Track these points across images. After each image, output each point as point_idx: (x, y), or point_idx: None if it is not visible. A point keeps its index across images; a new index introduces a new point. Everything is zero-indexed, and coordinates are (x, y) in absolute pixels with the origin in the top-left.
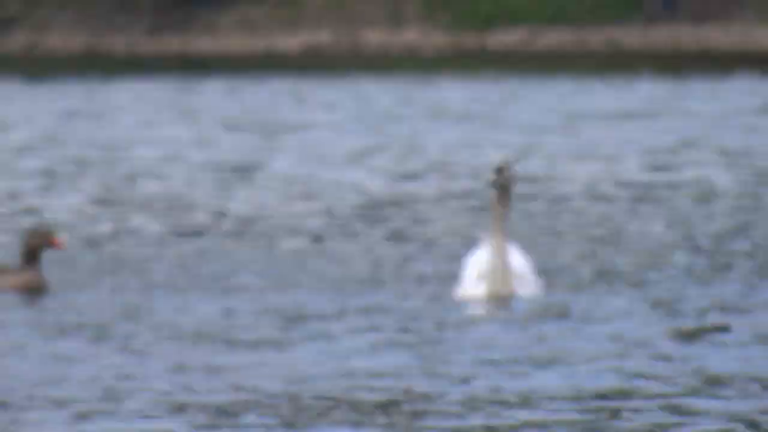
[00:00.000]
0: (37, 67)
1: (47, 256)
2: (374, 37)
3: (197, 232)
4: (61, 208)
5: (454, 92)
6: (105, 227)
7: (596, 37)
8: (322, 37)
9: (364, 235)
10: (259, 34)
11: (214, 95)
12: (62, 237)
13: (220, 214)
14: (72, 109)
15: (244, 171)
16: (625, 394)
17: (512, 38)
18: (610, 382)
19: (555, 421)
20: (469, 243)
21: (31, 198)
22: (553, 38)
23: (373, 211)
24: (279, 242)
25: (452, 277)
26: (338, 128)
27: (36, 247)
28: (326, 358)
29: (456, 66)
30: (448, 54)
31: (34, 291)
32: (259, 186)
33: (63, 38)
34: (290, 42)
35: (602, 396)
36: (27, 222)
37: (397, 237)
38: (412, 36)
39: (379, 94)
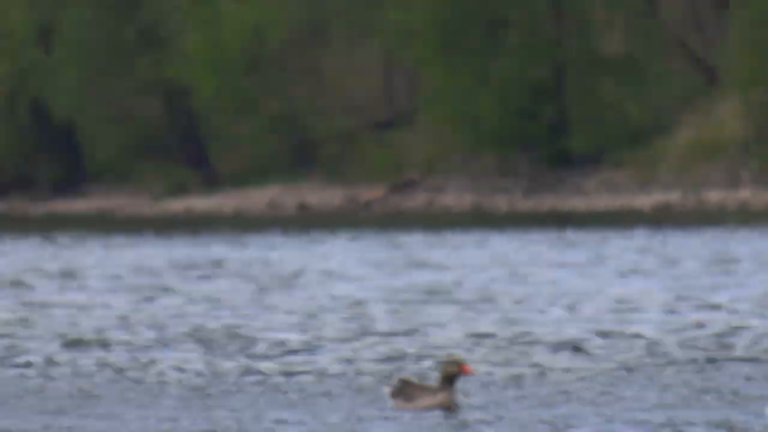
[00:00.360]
0: (434, 221)
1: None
2: (714, 196)
3: None
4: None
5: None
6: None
7: None
8: (671, 196)
9: None
10: (619, 193)
11: (583, 245)
12: (472, 366)
13: None
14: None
15: None
16: None
17: None
18: None
19: None
20: None
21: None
22: None
23: None
24: None
25: None
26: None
27: (452, 373)
28: None
29: None
30: None
31: (449, 410)
32: None
33: (455, 197)
34: (645, 200)
35: None
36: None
37: None
38: (746, 195)
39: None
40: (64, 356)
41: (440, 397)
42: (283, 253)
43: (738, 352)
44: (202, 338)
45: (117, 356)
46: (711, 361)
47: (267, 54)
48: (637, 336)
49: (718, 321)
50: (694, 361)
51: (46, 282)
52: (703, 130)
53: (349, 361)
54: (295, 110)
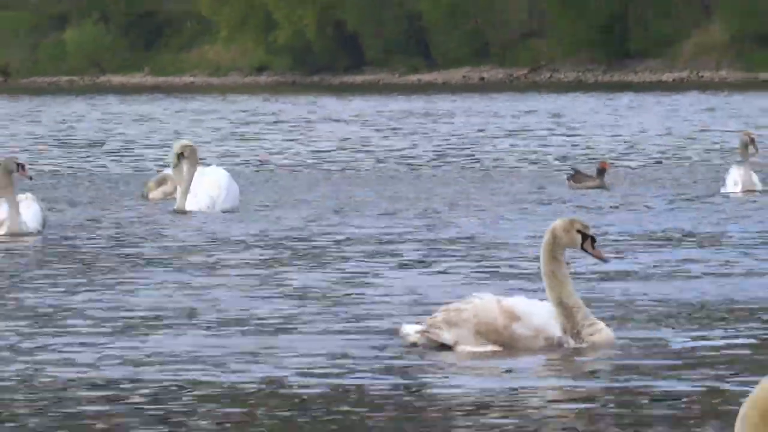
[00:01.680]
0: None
1: None
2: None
3: None
4: None
5: None
6: None
7: None
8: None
9: None
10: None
11: None
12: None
13: None
14: None
15: None
16: None
17: None
18: None
19: None
20: None
21: None
22: None
23: None
24: None
25: None
26: None
27: (602, 168)
28: None
29: None
30: None
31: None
32: None
33: (569, 75)
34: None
35: None
36: None
37: None
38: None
39: None
40: None
41: (597, 182)
42: None
43: None
44: None
45: None
46: None
47: None
48: None
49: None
50: None
51: None
52: None
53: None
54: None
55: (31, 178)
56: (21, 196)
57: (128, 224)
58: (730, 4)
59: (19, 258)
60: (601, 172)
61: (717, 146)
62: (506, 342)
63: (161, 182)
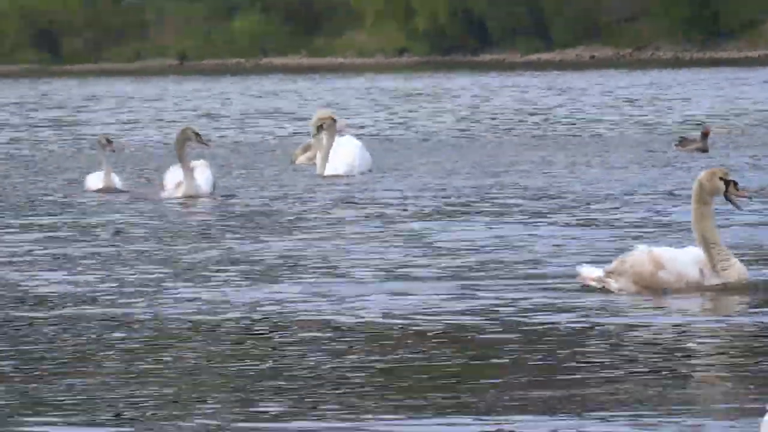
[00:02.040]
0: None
1: None
2: None
3: None
4: None
5: None
6: None
7: None
8: None
9: None
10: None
11: None
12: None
13: None
14: None
15: None
16: None
17: None
18: None
19: None
20: None
21: None
22: None
23: None
24: None
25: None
26: None
27: (705, 133)
28: None
29: None
30: None
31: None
32: None
33: (665, 53)
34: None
35: None
36: None
37: None
38: None
39: None
40: None
41: (701, 145)
42: None
43: None
44: None
45: None
46: None
47: None
48: None
49: None
50: None
51: None
52: None
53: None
54: None
55: (208, 146)
56: (195, 163)
57: (279, 186)
58: None
59: (195, 216)
60: (705, 136)
61: None
62: (655, 287)
63: (306, 149)
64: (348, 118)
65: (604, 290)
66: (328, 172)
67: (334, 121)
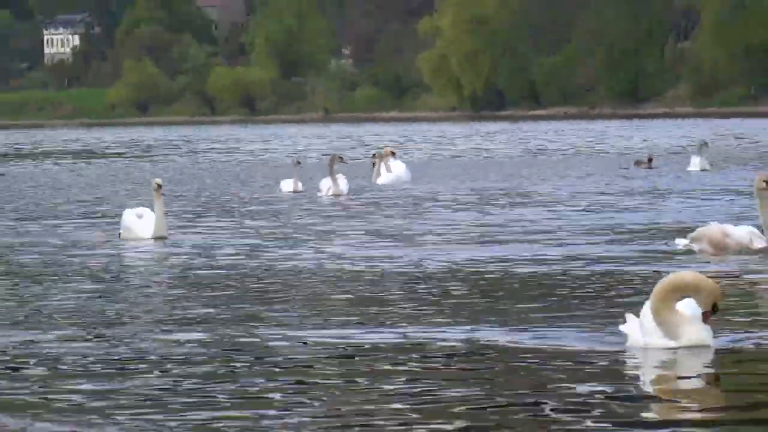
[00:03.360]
0: None
1: None
2: None
3: None
4: None
5: None
6: None
7: None
8: None
9: None
10: None
11: None
12: None
13: None
14: None
15: None
16: None
17: None
18: None
19: None
20: None
21: None
22: None
23: None
24: None
25: None
26: None
27: None
28: None
29: None
30: None
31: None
32: None
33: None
34: None
35: None
36: None
37: None
38: None
39: None
40: None
41: (648, 165)
42: None
43: None
44: None
45: None
46: None
47: None
48: None
49: None
50: None
51: None
52: None
53: None
54: None
55: (346, 162)
56: (339, 174)
57: (370, 189)
58: None
59: (342, 209)
60: (650, 160)
61: None
62: (723, 249)
63: (382, 157)
64: (398, 149)
65: (689, 251)
66: (381, 181)
67: (393, 153)
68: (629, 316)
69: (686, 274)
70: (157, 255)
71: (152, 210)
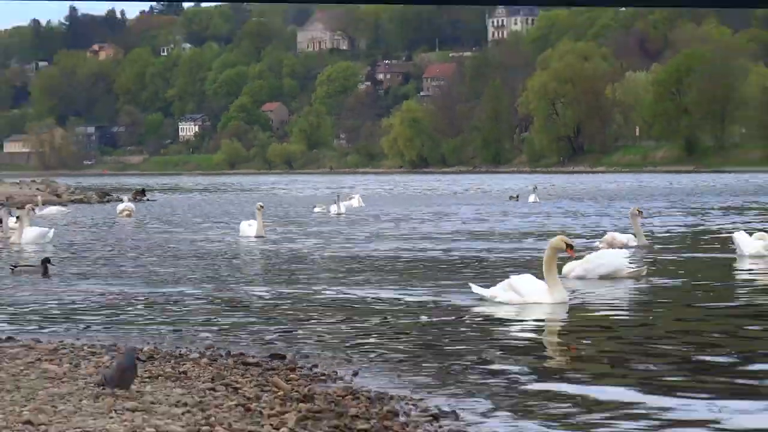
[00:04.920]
0: None
1: None
2: None
3: None
4: None
5: None
6: None
7: None
8: None
9: None
10: None
11: None
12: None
13: None
14: None
15: None
16: None
17: None
18: None
19: None
20: None
21: None
22: None
23: None
24: None
25: None
26: None
27: None
28: None
29: None
30: None
31: None
32: None
33: None
34: None
35: None
36: None
37: None
38: None
39: None
40: None
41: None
42: None
43: None
44: None
45: None
46: None
47: None
48: None
49: None
50: None
51: None
52: None
53: None
54: None
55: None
56: (354, 196)
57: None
58: None
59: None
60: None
61: None
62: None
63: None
64: (358, 194)
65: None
66: (340, 211)
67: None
68: (473, 285)
69: (554, 239)
70: (258, 244)
71: (255, 220)
